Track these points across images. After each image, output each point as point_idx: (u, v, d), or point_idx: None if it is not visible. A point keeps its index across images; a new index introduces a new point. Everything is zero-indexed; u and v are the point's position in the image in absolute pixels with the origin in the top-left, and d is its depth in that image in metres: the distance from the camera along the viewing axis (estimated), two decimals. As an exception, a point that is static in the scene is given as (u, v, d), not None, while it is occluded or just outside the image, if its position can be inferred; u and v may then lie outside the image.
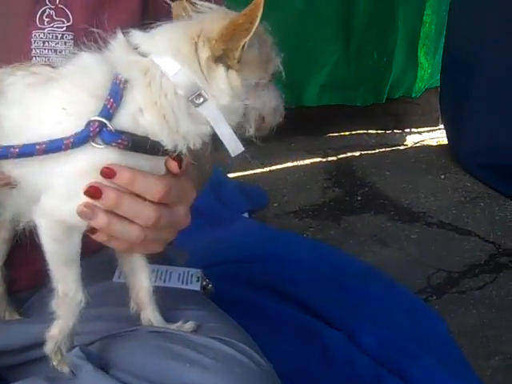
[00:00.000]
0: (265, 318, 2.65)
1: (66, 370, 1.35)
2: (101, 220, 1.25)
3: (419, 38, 5.39)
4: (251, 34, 1.20)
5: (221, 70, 1.25)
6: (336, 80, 5.23)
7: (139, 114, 1.21)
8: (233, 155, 1.30)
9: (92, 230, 1.28)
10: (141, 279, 1.46)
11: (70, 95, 1.22)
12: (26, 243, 1.62)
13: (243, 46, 1.23)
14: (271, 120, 1.35)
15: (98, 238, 1.30)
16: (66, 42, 1.55)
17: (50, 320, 1.53)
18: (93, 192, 1.22)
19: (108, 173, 1.21)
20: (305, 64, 5.03)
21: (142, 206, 1.28)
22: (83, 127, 1.18)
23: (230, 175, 4.43)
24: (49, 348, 1.36)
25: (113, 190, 1.23)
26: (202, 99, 1.23)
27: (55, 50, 1.55)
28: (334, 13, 5.05)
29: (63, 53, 1.55)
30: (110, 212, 1.25)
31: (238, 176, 4.59)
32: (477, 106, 4.68)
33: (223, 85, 1.25)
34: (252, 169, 4.75)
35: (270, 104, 1.34)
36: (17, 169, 1.26)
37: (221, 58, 1.24)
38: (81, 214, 1.23)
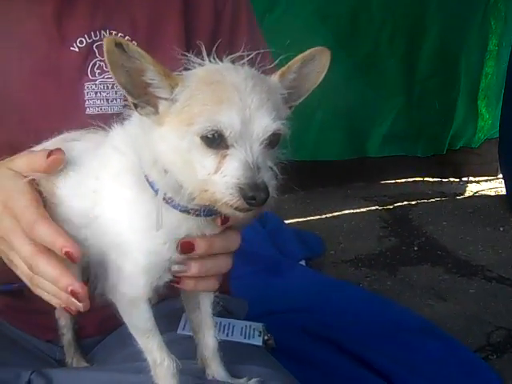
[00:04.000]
0: (321, 370, 2.63)
1: None
2: (194, 269, 1.33)
3: (480, 90, 5.40)
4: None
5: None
6: (398, 131, 5.28)
7: None
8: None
9: (177, 281, 1.34)
10: (207, 336, 1.49)
11: None
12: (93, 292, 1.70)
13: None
14: (219, 196, 1.13)
15: (185, 286, 1.36)
16: (116, 92, 1.63)
17: (113, 369, 1.59)
18: (187, 247, 1.28)
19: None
20: (367, 116, 5.13)
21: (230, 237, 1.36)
22: None
23: (287, 221, 4.46)
24: None
25: (202, 239, 1.30)
26: None
27: (107, 100, 1.63)
28: (396, 65, 5.12)
29: (114, 102, 1.63)
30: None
31: (295, 222, 4.63)
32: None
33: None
34: (309, 215, 4.80)
35: (201, 172, 1.14)
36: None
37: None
38: (174, 273, 1.31)
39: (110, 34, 1.62)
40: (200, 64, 1.19)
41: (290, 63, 1.23)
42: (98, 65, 1.62)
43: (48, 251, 1.26)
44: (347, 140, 5.15)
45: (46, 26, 1.59)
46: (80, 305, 1.26)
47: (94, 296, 1.48)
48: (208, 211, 1.24)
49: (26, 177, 1.31)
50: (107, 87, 1.62)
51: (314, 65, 1.24)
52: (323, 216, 4.85)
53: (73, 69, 1.61)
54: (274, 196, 1.13)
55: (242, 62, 1.19)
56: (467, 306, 3.63)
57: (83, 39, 1.61)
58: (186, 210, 1.24)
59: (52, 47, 1.60)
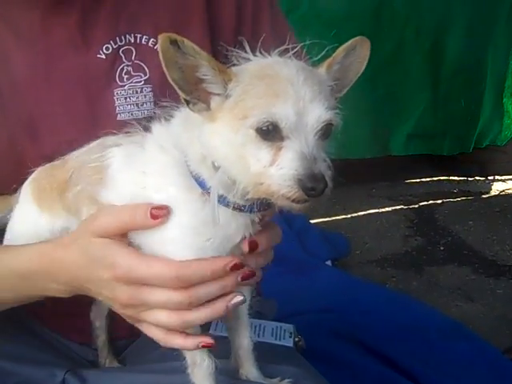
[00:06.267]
0: (350, 371, 2.63)
1: None
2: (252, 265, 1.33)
3: (507, 87, 5.33)
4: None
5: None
6: (423, 129, 5.22)
7: None
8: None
9: None
10: (242, 336, 1.50)
11: None
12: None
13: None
14: (275, 188, 1.13)
15: None
16: (145, 95, 1.62)
17: (146, 370, 1.60)
18: (253, 246, 1.29)
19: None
20: (392, 114, 5.10)
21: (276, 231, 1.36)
22: None
23: (312, 221, 4.46)
24: None
25: (262, 236, 1.31)
26: None
27: (137, 104, 1.62)
28: (421, 62, 5.07)
29: (145, 105, 1.62)
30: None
31: (321, 222, 4.63)
32: None
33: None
34: (334, 215, 4.80)
35: (256, 165, 1.15)
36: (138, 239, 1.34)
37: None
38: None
39: (135, 37, 1.63)
40: (246, 59, 1.20)
41: (334, 54, 1.24)
42: (125, 70, 1.62)
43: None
44: (371, 138, 5.11)
45: (71, 35, 1.58)
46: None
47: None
48: (261, 205, 1.25)
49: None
50: (136, 92, 1.62)
51: (355, 55, 1.26)
52: (348, 216, 4.85)
53: (101, 76, 1.61)
54: (331, 186, 1.13)
55: (287, 55, 1.20)
56: (495, 307, 3.61)
57: (109, 45, 1.60)
58: (238, 208, 1.24)
59: (79, 56, 1.59)
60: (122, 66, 1.62)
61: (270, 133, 1.12)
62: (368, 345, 2.90)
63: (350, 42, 1.24)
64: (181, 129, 1.27)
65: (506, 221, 4.79)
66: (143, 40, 1.62)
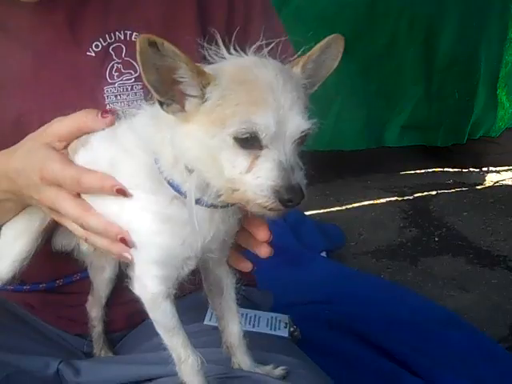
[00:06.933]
0: (346, 361, 2.63)
1: None
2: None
3: (500, 78, 5.34)
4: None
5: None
6: (417, 121, 5.23)
7: None
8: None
9: None
10: (231, 324, 1.50)
11: None
12: (122, 285, 1.72)
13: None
14: (251, 196, 1.13)
15: None
16: (136, 93, 1.61)
17: (139, 361, 1.61)
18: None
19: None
20: (386, 105, 5.10)
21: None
22: None
23: (307, 213, 4.46)
24: None
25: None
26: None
27: (127, 102, 1.61)
28: (415, 54, 5.08)
29: (135, 103, 1.60)
30: None
31: (315, 214, 4.63)
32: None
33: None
34: (329, 207, 4.80)
35: (231, 171, 1.14)
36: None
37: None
38: None
39: (125, 34, 1.62)
40: (222, 57, 1.18)
41: (309, 53, 1.24)
42: (115, 67, 1.61)
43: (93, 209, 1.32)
44: (365, 130, 5.11)
45: (60, 33, 1.58)
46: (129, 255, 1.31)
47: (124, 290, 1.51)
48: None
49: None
50: (126, 89, 1.61)
51: (330, 52, 1.25)
52: (343, 207, 4.86)
53: (91, 74, 1.60)
54: (306, 199, 1.13)
55: (262, 52, 1.19)
56: (489, 297, 3.62)
57: (98, 43, 1.60)
58: (213, 205, 1.24)
59: (68, 54, 1.59)
60: (112, 64, 1.61)
61: (249, 141, 1.11)
62: (363, 335, 2.91)
63: (325, 40, 1.23)
64: (152, 130, 1.25)
65: (500, 212, 4.80)
66: (133, 37, 1.62)
